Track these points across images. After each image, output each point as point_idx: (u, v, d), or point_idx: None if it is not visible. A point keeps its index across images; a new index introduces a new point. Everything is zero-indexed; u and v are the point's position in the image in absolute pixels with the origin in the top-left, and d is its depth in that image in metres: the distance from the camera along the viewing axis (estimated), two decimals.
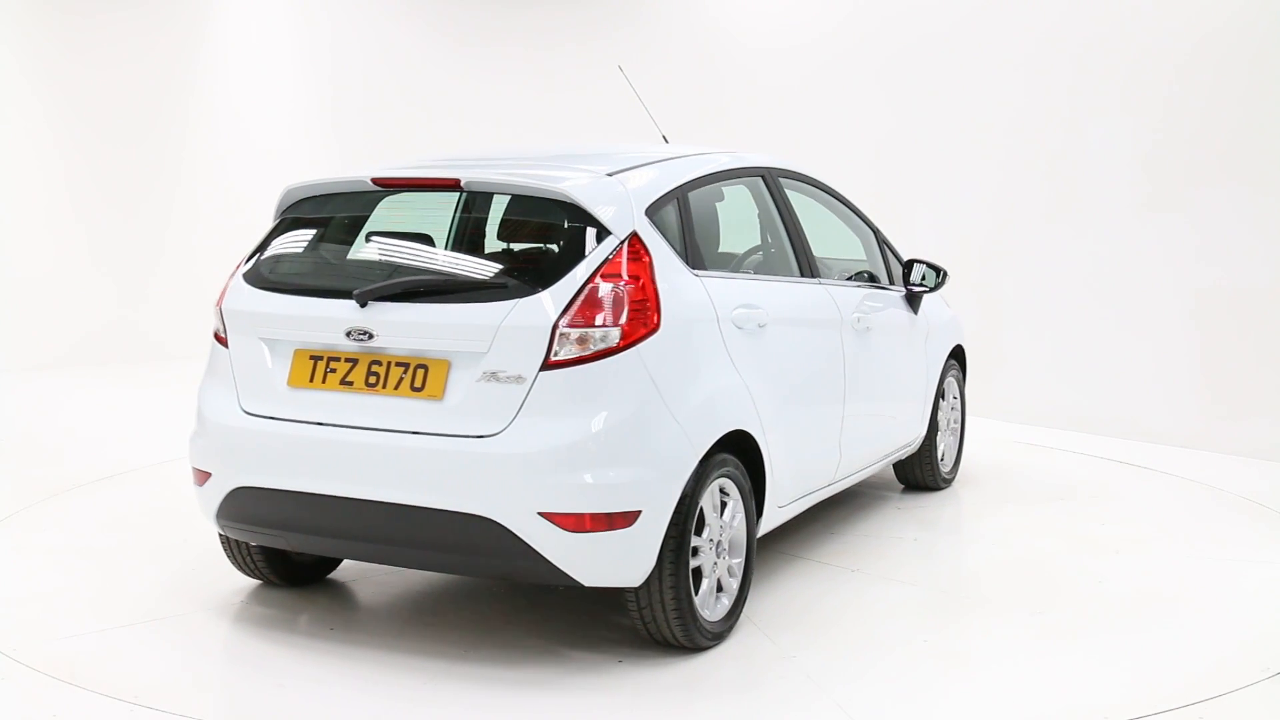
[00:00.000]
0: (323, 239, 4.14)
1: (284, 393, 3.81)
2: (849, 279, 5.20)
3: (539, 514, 3.46)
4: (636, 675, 3.70)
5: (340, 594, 4.49)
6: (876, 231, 5.48)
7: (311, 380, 3.77)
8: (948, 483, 6.08)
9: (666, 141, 5.42)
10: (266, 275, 4.03)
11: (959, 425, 6.19)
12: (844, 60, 8.97)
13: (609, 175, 3.86)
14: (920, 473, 5.89)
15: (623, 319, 3.54)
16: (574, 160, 4.13)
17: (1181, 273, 7.33)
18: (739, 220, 4.81)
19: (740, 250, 4.88)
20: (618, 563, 3.56)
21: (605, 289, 3.55)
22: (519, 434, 3.49)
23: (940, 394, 5.88)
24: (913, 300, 5.51)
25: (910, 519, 5.53)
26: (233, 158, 10.83)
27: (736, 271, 4.44)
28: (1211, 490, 6.20)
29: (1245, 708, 3.54)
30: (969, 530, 5.50)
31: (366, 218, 4.13)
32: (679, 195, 4.03)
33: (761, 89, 9.47)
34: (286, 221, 4.17)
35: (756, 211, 4.77)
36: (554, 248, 3.74)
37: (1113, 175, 7.63)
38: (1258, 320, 7.02)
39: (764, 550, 4.87)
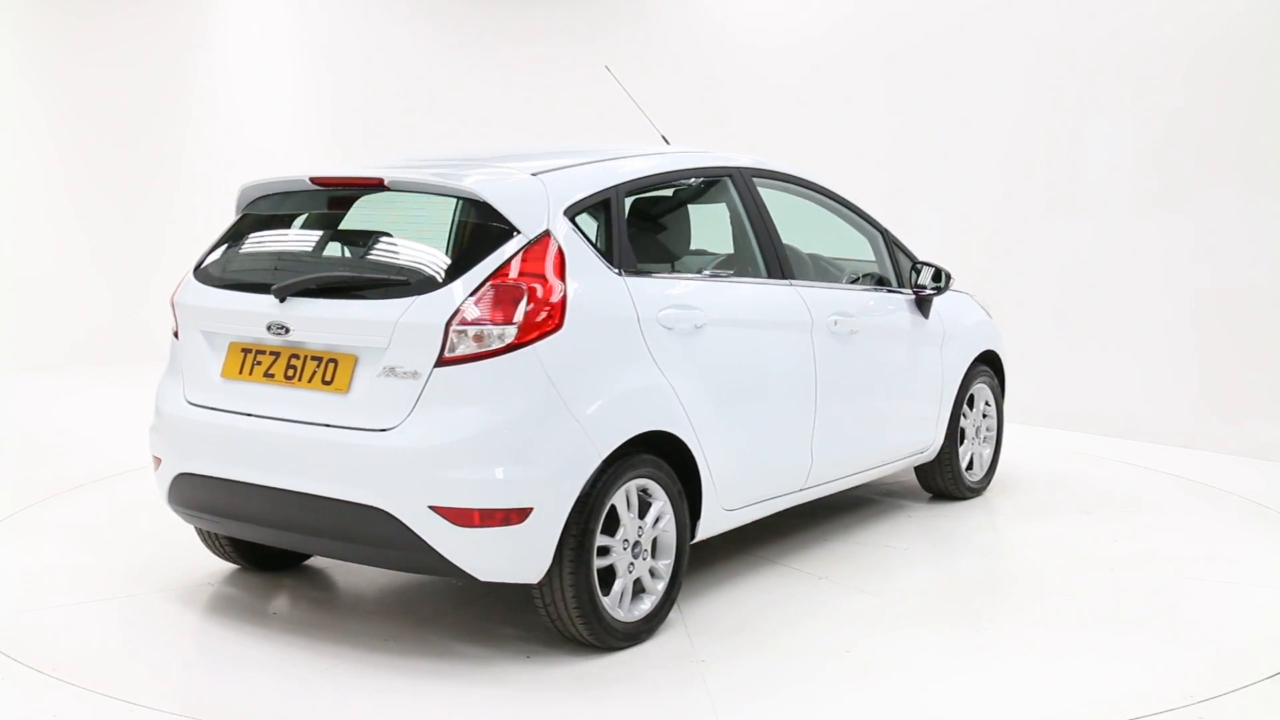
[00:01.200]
0: (266, 236, 4.27)
1: (218, 384, 3.99)
2: (853, 282, 5.17)
3: (430, 508, 3.53)
4: (534, 670, 3.73)
5: (317, 582, 4.55)
6: (884, 233, 5.37)
7: (241, 372, 3.94)
8: (975, 492, 5.86)
9: (668, 142, 5.40)
10: (211, 271, 4.20)
11: (993, 433, 5.99)
12: (847, 60, 8.96)
13: (533, 175, 3.90)
14: (942, 480, 5.72)
15: (520, 317, 3.58)
16: (512, 160, 4.14)
17: (1181, 273, 7.33)
18: (715, 221, 4.82)
19: (713, 250, 4.92)
20: (511, 559, 3.60)
21: (503, 287, 3.60)
22: (413, 429, 3.56)
23: (967, 400, 5.73)
24: (922, 304, 5.37)
25: (914, 528, 5.39)
26: (233, 158, 10.83)
27: (693, 272, 4.41)
28: (1211, 490, 6.20)
29: (1245, 708, 3.54)
30: (969, 541, 5.27)
31: (312, 216, 4.23)
32: (611, 195, 4.03)
33: (764, 88, 9.46)
34: (241, 219, 4.34)
35: (728, 213, 4.73)
36: (463, 246, 3.77)
37: (1113, 175, 7.63)
38: (1257, 320, 7.02)
39: (737, 553, 4.88)
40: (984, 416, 5.92)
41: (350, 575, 4.65)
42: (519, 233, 3.68)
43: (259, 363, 3.90)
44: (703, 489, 4.12)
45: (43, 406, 8.49)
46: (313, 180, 4.07)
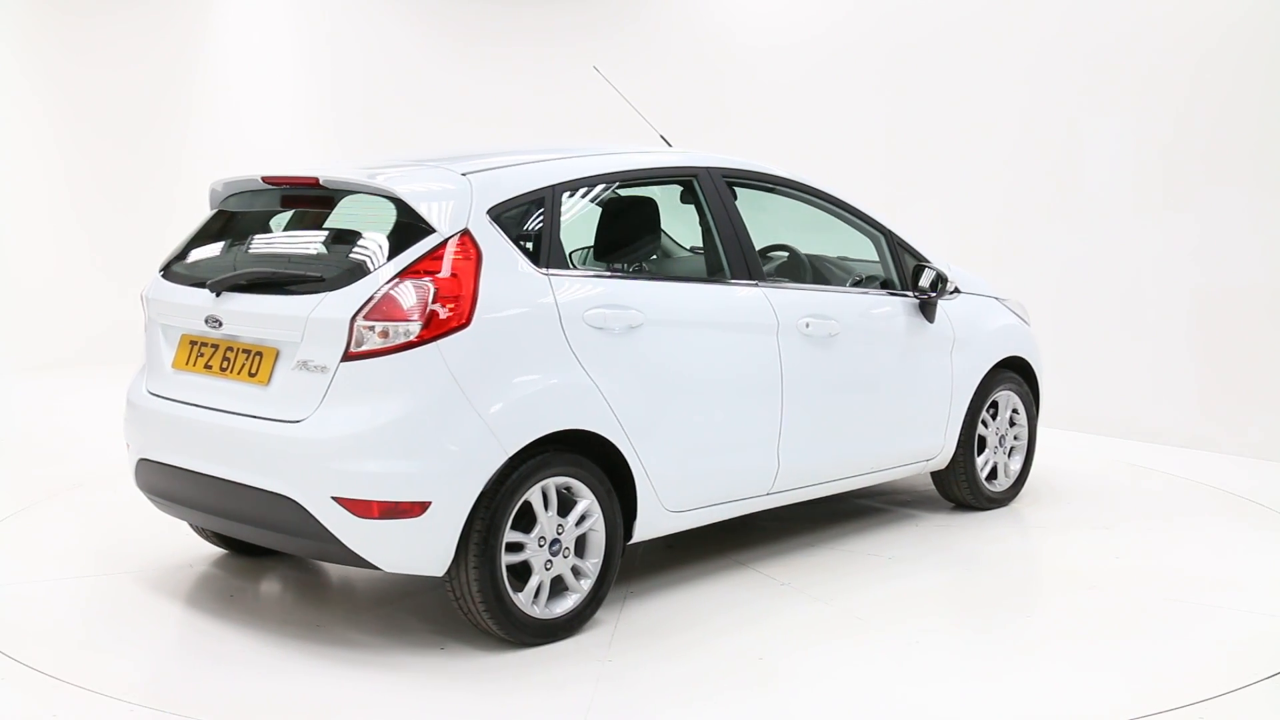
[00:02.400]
0: (224, 233, 4.40)
1: (170, 374, 4.20)
2: (856, 284, 5.12)
3: (333, 499, 3.63)
4: (440, 661, 3.80)
5: (314, 571, 4.54)
6: (888, 235, 5.21)
7: (187, 363, 4.15)
8: (998, 502, 5.66)
9: (668, 143, 5.39)
10: (172, 267, 4.38)
11: (1024, 442, 5.77)
12: (849, 59, 8.97)
13: (463, 175, 3.96)
14: (958, 490, 5.54)
15: (424, 314, 3.64)
16: (469, 159, 4.17)
17: (1181, 273, 7.33)
18: (686, 221, 4.81)
19: (681, 249, 4.91)
20: (412, 551, 3.68)
21: (409, 285, 3.67)
22: (319, 421, 3.68)
23: (988, 408, 5.54)
24: (926, 307, 5.19)
25: (912, 538, 5.22)
26: (233, 158, 10.82)
27: (637, 273, 4.39)
28: (1211, 490, 6.20)
29: (1245, 708, 3.54)
30: (964, 552, 5.05)
31: (265, 214, 4.36)
32: (546, 195, 4.06)
33: (767, 87, 9.47)
34: (211, 216, 4.48)
35: (695, 214, 4.70)
36: (380, 244, 3.84)
37: (1113, 175, 7.63)
38: (1258, 320, 7.02)
39: (708, 554, 4.88)
40: (1011, 425, 5.71)
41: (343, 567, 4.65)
42: (435, 231, 3.77)
43: (201, 354, 4.10)
44: (637, 489, 4.12)
45: (43, 406, 8.49)
46: (263, 179, 4.23)
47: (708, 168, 4.66)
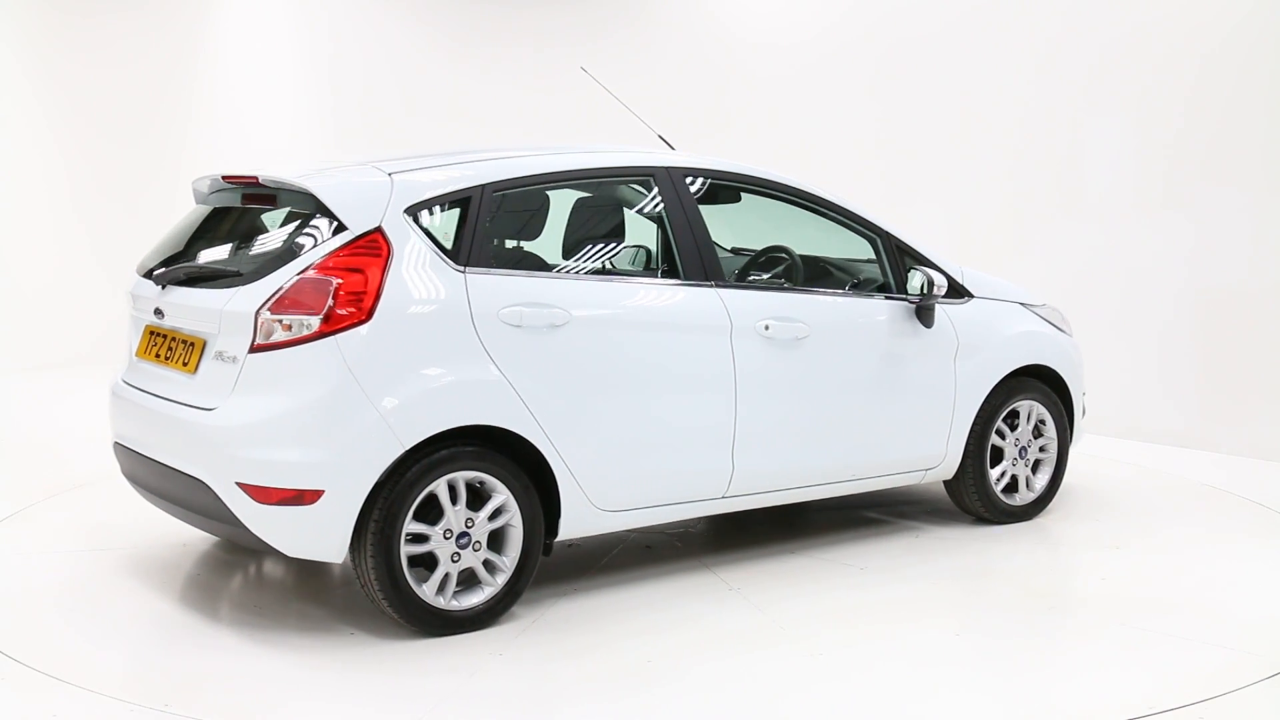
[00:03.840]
0: (192, 229, 4.53)
1: (134, 363, 4.47)
2: (854, 287, 5.04)
3: (237, 484, 3.80)
4: (343, 645, 3.92)
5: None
6: (884, 237, 5.06)
7: (145, 352, 4.39)
8: (1017, 516, 5.41)
9: (673, 148, 5.35)
10: (145, 262, 4.54)
11: (1051, 455, 5.50)
12: (849, 59, 8.96)
13: (388, 174, 4.08)
14: (969, 502, 5.34)
15: (324, 308, 3.77)
16: (400, 161, 4.28)
17: (1181, 273, 7.33)
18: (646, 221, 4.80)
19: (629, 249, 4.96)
20: (309, 537, 3.82)
21: (311, 279, 3.81)
22: (228, 409, 3.86)
23: (1005, 418, 5.33)
24: (923, 312, 5.02)
25: (901, 550, 5.03)
26: (233, 158, 10.82)
27: (572, 271, 4.39)
28: (1211, 490, 6.20)
29: (1245, 708, 3.54)
30: (946, 565, 4.86)
31: (226, 210, 4.49)
32: (473, 195, 4.13)
33: (765, 87, 9.46)
34: (189, 212, 4.66)
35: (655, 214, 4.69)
36: (298, 240, 3.98)
37: (1113, 175, 7.63)
38: (1258, 320, 7.02)
39: (677, 557, 4.87)
40: (1037, 436, 5.48)
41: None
42: (347, 228, 3.89)
43: (154, 344, 4.34)
44: (559, 487, 4.15)
45: (43, 406, 8.49)
46: (223, 178, 4.44)
47: (667, 168, 4.63)
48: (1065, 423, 5.55)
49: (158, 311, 4.25)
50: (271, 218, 4.24)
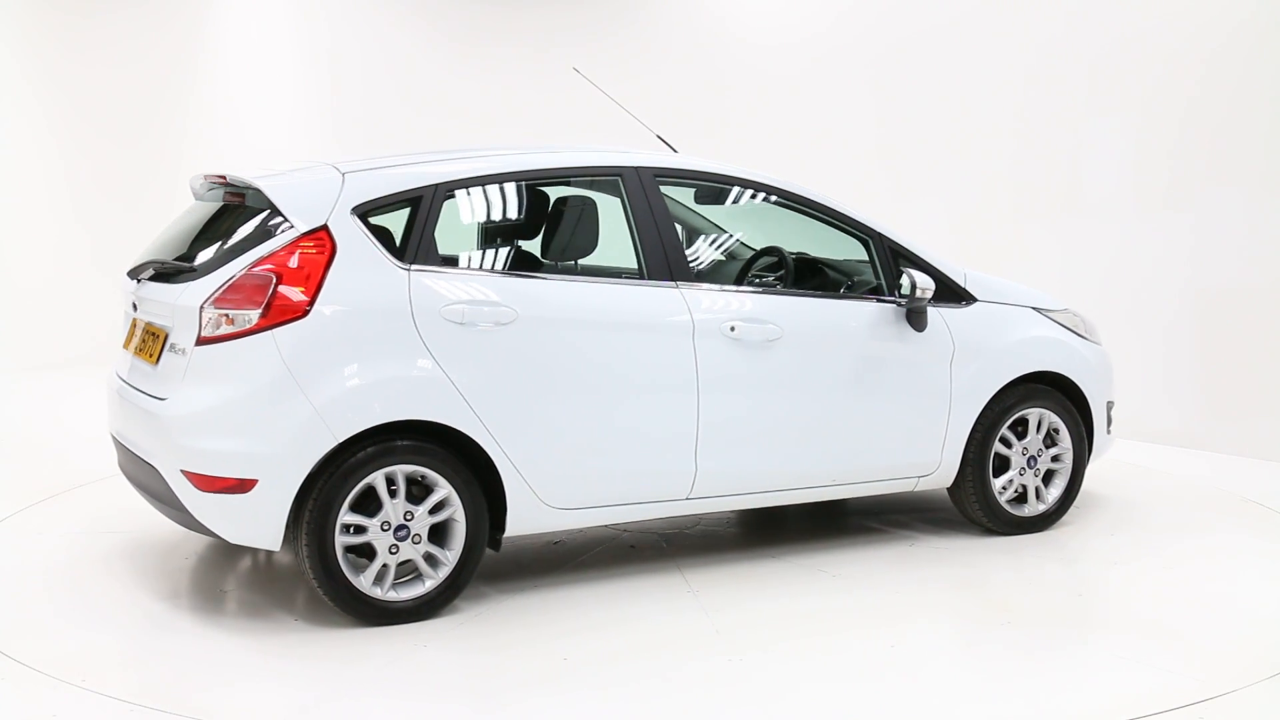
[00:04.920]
0: (180, 226, 4.64)
1: (121, 355, 4.59)
2: (849, 288, 4.96)
3: (182, 472, 3.94)
4: (283, 633, 4.02)
5: None
6: (877, 238, 4.94)
7: (128, 345, 4.52)
8: (1025, 528, 5.20)
9: (676, 151, 5.33)
10: (139, 257, 4.61)
11: (1066, 466, 5.27)
12: (849, 59, 8.96)
13: (344, 174, 4.19)
14: (972, 511, 5.16)
15: (263, 303, 3.89)
16: (364, 161, 4.37)
17: (1182, 273, 7.33)
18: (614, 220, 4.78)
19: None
20: (247, 525, 3.94)
21: (252, 275, 3.94)
22: (176, 400, 4.00)
23: (1011, 426, 5.14)
24: (914, 315, 4.89)
25: (886, 559, 4.88)
26: (233, 158, 10.83)
27: (528, 270, 4.41)
28: (1211, 490, 6.20)
29: (1245, 708, 3.54)
30: (925, 575, 4.69)
31: (210, 208, 4.58)
32: (424, 194, 4.21)
33: (766, 87, 9.46)
34: (185, 210, 4.76)
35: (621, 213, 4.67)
36: (248, 238, 4.10)
37: (1113, 175, 7.63)
38: (1258, 320, 7.02)
39: (650, 558, 4.86)
40: (1051, 446, 5.26)
41: None
42: (293, 226, 4.01)
43: (134, 336, 4.47)
44: (505, 484, 4.19)
45: (43, 406, 8.49)
46: (205, 177, 4.60)
47: (636, 167, 4.62)
48: (1082, 432, 5.32)
49: (134, 305, 4.44)
50: (239, 215, 4.31)
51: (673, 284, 4.51)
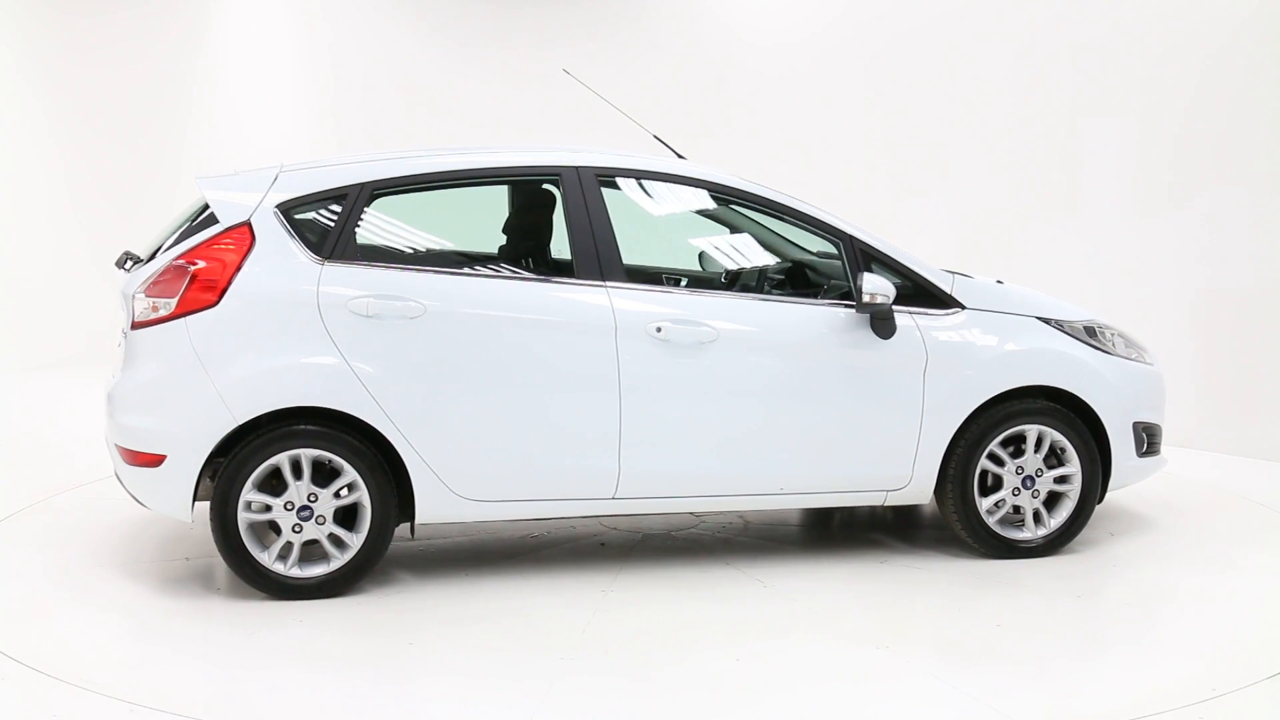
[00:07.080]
0: (177, 220, 4.76)
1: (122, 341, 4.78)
2: (827, 292, 4.78)
3: (115, 445, 4.38)
4: (198, 601, 4.33)
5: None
6: (849, 241, 4.72)
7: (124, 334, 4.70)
8: (1017, 551, 4.88)
9: (681, 157, 5.31)
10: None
11: (1074, 489, 4.88)
12: (849, 59, 8.97)
13: (278, 174, 4.50)
14: (955, 531, 4.93)
15: (179, 293, 4.23)
16: (309, 162, 4.63)
17: (1181, 273, 7.33)
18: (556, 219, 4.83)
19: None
20: (162, 497, 4.30)
21: (174, 266, 4.28)
22: (117, 380, 4.39)
23: (1003, 442, 4.83)
24: (878, 322, 4.64)
25: (846, 574, 4.70)
26: (233, 158, 10.82)
27: (445, 267, 4.48)
28: (1211, 490, 6.20)
29: (1245, 708, 3.54)
30: (857, 590, 4.52)
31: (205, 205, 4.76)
32: (351, 192, 4.46)
33: (764, 88, 9.46)
34: (187, 206, 4.88)
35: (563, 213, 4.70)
36: (184, 232, 4.43)
37: (1112, 175, 7.63)
38: (1258, 320, 7.02)
39: (598, 555, 4.89)
40: (1054, 466, 4.89)
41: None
42: (218, 222, 4.34)
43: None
44: (410, 473, 4.36)
45: (43, 406, 8.49)
46: (196, 177, 4.77)
47: (576, 167, 4.65)
48: (1094, 453, 4.91)
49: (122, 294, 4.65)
50: (200, 211, 4.53)
51: (600, 284, 4.52)
